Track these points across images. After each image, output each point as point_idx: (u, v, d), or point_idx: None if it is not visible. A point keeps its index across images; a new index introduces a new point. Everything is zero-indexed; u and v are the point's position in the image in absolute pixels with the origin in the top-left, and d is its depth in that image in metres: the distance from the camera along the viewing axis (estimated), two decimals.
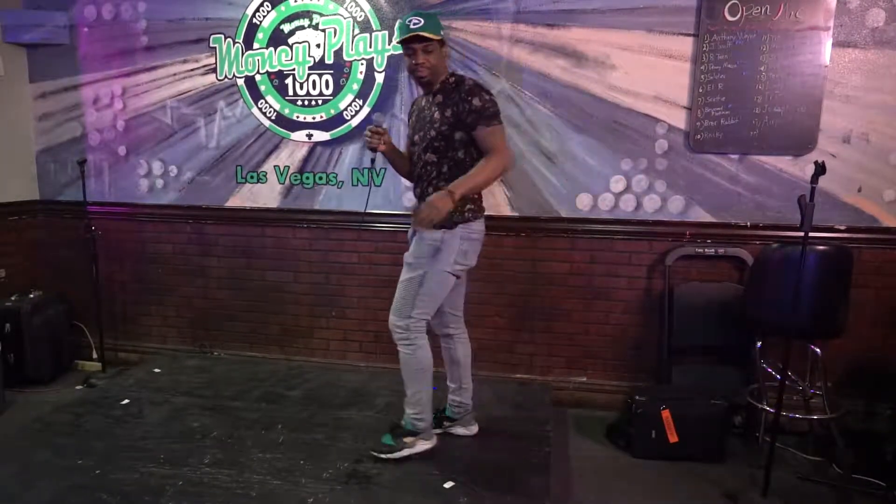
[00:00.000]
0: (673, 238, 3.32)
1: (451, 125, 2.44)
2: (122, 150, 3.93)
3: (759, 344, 2.96)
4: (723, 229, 3.26)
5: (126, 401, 3.18)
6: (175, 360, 3.81)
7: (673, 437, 2.88)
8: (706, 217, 3.27)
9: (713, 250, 3.26)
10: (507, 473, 2.53)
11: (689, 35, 3.16)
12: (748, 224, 3.23)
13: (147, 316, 4.08)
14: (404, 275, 2.53)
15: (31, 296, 3.82)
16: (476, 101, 2.39)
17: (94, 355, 4.05)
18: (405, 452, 2.60)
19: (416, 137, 2.57)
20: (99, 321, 3.92)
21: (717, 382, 3.19)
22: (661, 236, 3.33)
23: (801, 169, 3.13)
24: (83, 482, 2.44)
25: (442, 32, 2.47)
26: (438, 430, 2.80)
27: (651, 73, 3.22)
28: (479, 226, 2.55)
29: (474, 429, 2.86)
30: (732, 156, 3.21)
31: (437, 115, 2.47)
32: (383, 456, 2.59)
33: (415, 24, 2.40)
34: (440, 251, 2.46)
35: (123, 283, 4.07)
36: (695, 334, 3.28)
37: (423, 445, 2.64)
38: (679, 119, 3.23)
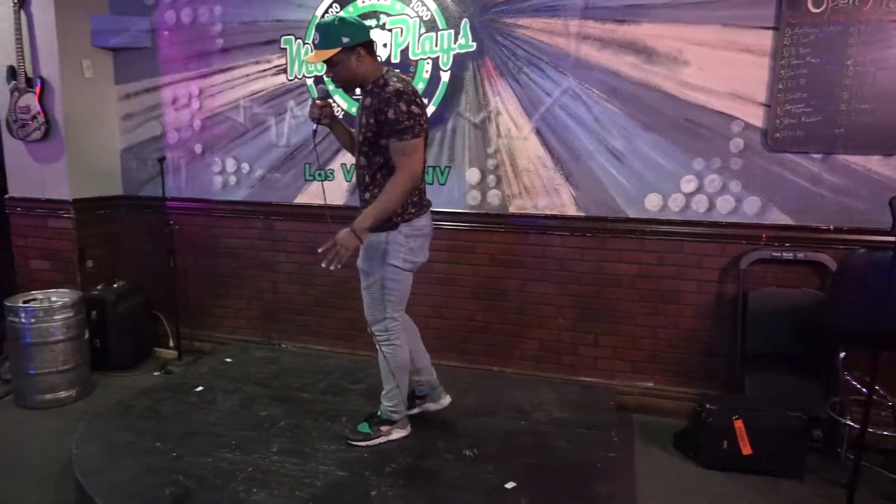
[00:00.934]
0: (747, 241, 3.18)
1: (374, 132, 2.41)
2: (198, 148, 4.10)
3: (842, 354, 2.80)
4: (802, 232, 3.10)
5: (200, 388, 3.32)
6: (245, 350, 3.95)
7: (746, 449, 2.77)
8: (784, 219, 3.12)
9: (791, 254, 3.10)
10: (570, 477, 2.50)
11: (768, 28, 3.02)
12: (831, 227, 3.06)
13: (219, 307, 4.25)
14: (363, 283, 2.59)
15: (115, 286, 4.06)
16: (390, 113, 2.33)
17: (171, 343, 4.25)
18: (381, 440, 2.71)
19: (355, 137, 2.58)
20: (175, 311, 4.11)
21: (795, 394, 3.04)
22: (735, 239, 3.20)
23: (892, 169, 2.94)
24: (161, 464, 2.56)
25: (346, 39, 2.35)
26: (415, 411, 2.86)
27: (727, 69, 3.09)
28: (423, 221, 2.54)
29: (447, 400, 2.91)
30: (815, 155, 3.05)
31: (363, 119, 2.45)
32: (359, 444, 2.68)
33: (314, 42, 2.41)
34: (387, 252, 2.49)
35: (198, 276, 4.25)
36: (770, 342, 3.14)
37: (398, 433, 2.74)
38: (756, 117, 3.09)
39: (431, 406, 2.90)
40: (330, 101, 2.63)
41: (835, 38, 2.94)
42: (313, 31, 2.41)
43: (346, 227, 2.35)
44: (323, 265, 2.30)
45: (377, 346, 2.64)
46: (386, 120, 2.35)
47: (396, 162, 2.39)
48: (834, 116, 2.98)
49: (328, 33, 2.39)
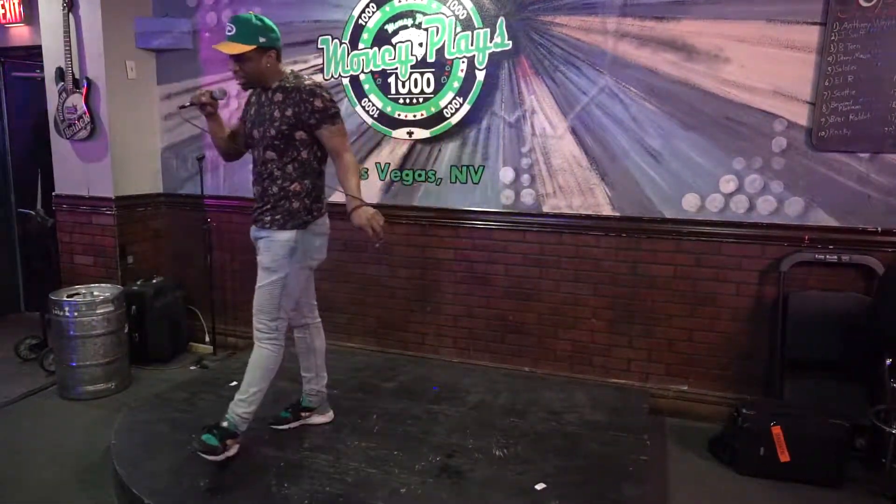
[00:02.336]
0: (789, 243, 3.09)
1: (291, 125, 2.41)
2: None
3: (888, 361, 2.70)
4: (848, 234, 3.00)
5: (234, 382, 3.35)
6: None
7: (784, 456, 2.69)
8: (829, 221, 3.02)
9: (836, 257, 3.00)
10: (601, 479, 2.46)
11: (814, 24, 2.93)
12: (879, 229, 2.95)
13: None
14: (264, 279, 2.48)
15: (154, 281, 4.16)
16: (318, 103, 2.39)
17: (207, 338, 4.34)
18: (229, 453, 2.46)
19: (255, 133, 2.53)
20: (211, 307, 4.20)
21: (837, 400, 2.94)
22: (776, 240, 3.11)
23: None
24: (196, 456, 2.57)
25: (262, 39, 2.38)
26: (296, 423, 2.83)
27: (770, 66, 3.01)
28: (325, 220, 2.59)
29: (331, 415, 2.91)
30: (862, 154, 2.95)
31: (276, 113, 2.43)
32: (209, 457, 2.42)
33: (227, 33, 2.39)
34: (296, 250, 2.48)
35: (233, 272, 4.32)
36: (812, 347, 3.04)
37: (234, 449, 2.50)
38: (800, 115, 3.00)
39: (319, 419, 2.87)
40: (221, 101, 2.64)
41: (887, 33, 2.83)
42: (229, 24, 2.39)
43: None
44: (378, 245, 2.39)
45: (258, 346, 2.51)
46: (314, 110, 2.39)
47: (337, 144, 2.45)
48: (884, 114, 2.87)
49: (246, 30, 2.40)
